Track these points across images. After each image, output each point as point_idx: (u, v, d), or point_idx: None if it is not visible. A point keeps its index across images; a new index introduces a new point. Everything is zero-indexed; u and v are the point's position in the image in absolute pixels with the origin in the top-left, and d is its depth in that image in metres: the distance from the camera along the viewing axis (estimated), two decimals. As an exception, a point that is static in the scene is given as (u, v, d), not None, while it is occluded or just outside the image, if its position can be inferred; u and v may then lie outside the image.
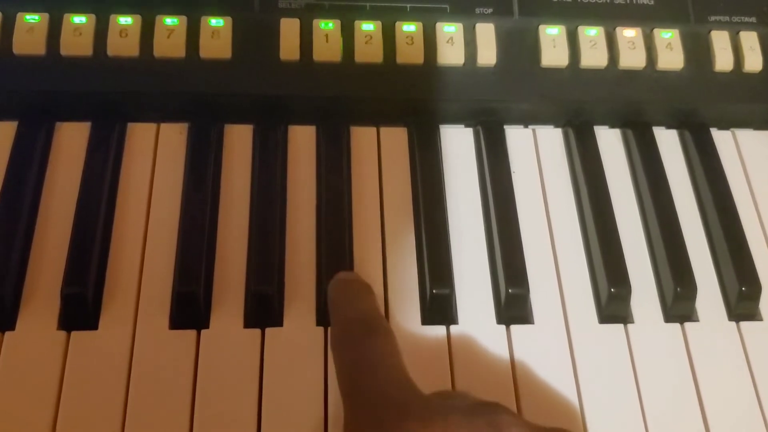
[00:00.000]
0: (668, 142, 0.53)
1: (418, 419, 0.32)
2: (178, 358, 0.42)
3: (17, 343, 0.41)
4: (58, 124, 0.49)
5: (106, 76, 0.48)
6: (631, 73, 0.52)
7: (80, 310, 0.42)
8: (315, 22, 0.50)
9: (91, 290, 0.42)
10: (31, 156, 0.47)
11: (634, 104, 0.52)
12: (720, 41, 0.52)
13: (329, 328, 0.42)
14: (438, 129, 0.51)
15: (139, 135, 0.49)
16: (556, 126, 0.53)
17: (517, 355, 0.44)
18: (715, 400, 0.44)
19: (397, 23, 0.50)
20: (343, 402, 0.36)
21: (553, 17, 0.52)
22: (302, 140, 0.50)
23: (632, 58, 0.51)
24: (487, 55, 0.50)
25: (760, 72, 0.52)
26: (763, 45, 0.53)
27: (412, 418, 0.32)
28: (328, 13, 0.50)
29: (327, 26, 0.50)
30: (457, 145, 0.51)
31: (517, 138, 0.52)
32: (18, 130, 0.48)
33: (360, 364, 0.36)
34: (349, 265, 0.45)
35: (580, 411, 0.43)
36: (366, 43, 0.50)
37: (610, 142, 0.52)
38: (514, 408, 0.42)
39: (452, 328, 0.44)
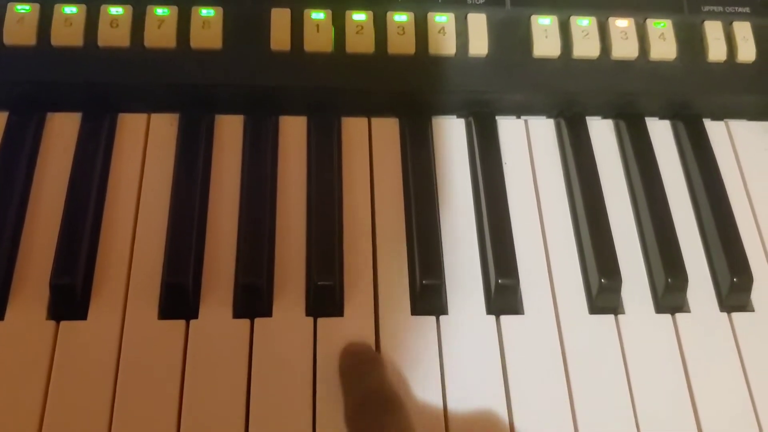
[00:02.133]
0: (661, 132, 0.53)
1: None
2: (166, 348, 0.42)
3: (6, 333, 0.42)
4: (48, 114, 0.49)
5: (96, 66, 0.48)
6: (623, 64, 0.52)
7: (69, 300, 0.42)
8: (306, 12, 0.50)
9: (80, 281, 0.43)
10: (22, 146, 0.47)
11: (626, 95, 0.52)
12: (713, 31, 0.52)
13: (344, 399, 0.40)
14: (430, 120, 0.51)
15: (130, 125, 0.49)
16: (548, 117, 0.53)
17: (507, 346, 0.44)
18: (706, 391, 0.44)
19: (389, 13, 0.50)
20: None
21: (545, 7, 0.52)
22: (293, 131, 0.50)
23: (625, 48, 0.51)
24: (479, 45, 0.50)
25: (754, 62, 0.52)
26: (757, 35, 0.52)
27: None
28: (319, 3, 0.50)
29: (318, 16, 0.50)
30: (449, 135, 0.51)
31: (508, 129, 0.52)
32: (8, 120, 0.48)
33: None
34: (339, 256, 0.45)
35: (570, 402, 0.43)
36: (357, 33, 0.50)
37: (602, 132, 0.52)
38: (502, 399, 0.42)
39: (442, 318, 0.44)
